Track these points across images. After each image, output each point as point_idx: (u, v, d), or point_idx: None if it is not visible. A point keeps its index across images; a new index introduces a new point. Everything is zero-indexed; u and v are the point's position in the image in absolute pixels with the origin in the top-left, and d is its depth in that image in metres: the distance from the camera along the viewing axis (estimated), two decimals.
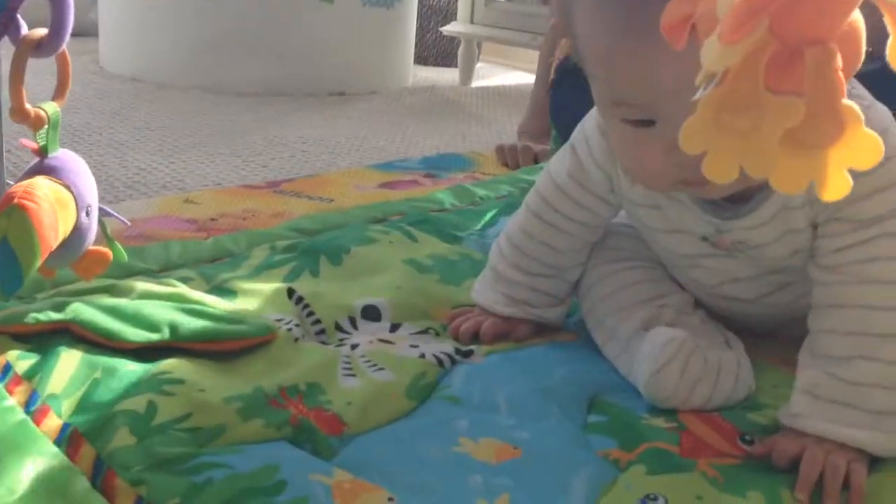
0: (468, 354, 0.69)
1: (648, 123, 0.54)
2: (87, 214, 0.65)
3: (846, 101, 0.38)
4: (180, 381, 0.59)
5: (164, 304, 0.68)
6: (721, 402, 0.63)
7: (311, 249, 0.85)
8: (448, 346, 0.69)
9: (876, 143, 0.37)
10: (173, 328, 0.65)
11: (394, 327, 0.73)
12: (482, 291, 0.75)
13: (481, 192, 1.12)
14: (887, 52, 0.37)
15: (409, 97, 2.15)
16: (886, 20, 0.37)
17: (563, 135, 1.13)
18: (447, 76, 2.56)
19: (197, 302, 0.69)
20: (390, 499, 0.50)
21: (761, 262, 0.65)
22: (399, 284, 0.79)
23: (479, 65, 2.54)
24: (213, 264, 0.84)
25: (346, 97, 2.08)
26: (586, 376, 0.66)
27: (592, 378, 0.66)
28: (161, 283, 0.74)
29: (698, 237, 0.65)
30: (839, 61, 0.38)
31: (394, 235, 0.91)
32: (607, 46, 0.54)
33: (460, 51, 2.40)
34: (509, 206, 1.05)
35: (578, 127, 0.70)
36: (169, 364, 0.61)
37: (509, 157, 1.36)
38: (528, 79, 2.60)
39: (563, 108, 1.16)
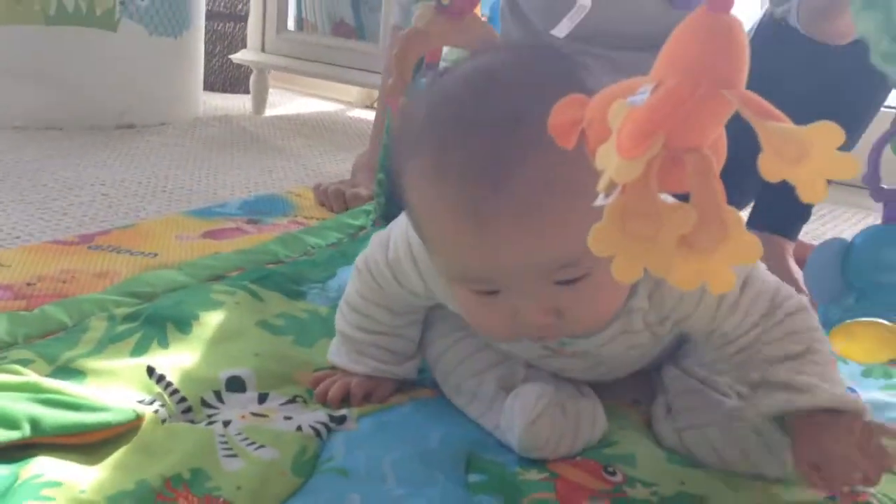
0: (342, 421, 0.70)
1: (493, 293, 0.58)
2: None
3: (728, 207, 0.44)
4: (57, 484, 0.56)
5: (16, 397, 0.63)
6: (582, 447, 0.69)
7: (156, 318, 0.82)
8: (321, 415, 0.70)
9: (755, 243, 0.43)
10: (34, 423, 0.61)
11: (261, 398, 0.73)
12: (339, 354, 0.76)
13: (312, 240, 1.13)
14: (759, 165, 0.43)
15: (203, 128, 2.09)
16: (760, 137, 0.43)
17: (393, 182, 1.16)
18: (237, 103, 2.51)
19: (54, 391, 0.65)
20: None
21: (601, 359, 0.70)
22: (256, 351, 0.79)
23: (269, 90, 2.51)
24: (46, 340, 0.79)
25: (136, 129, 1.99)
26: (460, 435, 0.69)
27: (465, 436, 0.70)
28: (4, 371, 0.68)
29: (538, 348, 0.69)
30: (715, 166, 0.45)
31: (239, 296, 0.89)
32: (453, 232, 0.55)
33: (252, 80, 2.36)
34: (343, 256, 1.06)
35: (401, 228, 0.69)
36: (38, 465, 0.58)
37: (324, 199, 1.37)
38: (321, 106, 2.62)
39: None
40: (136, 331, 0.80)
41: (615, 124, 0.44)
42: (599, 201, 0.44)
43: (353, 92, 2.73)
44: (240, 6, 2.68)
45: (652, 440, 0.72)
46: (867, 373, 0.86)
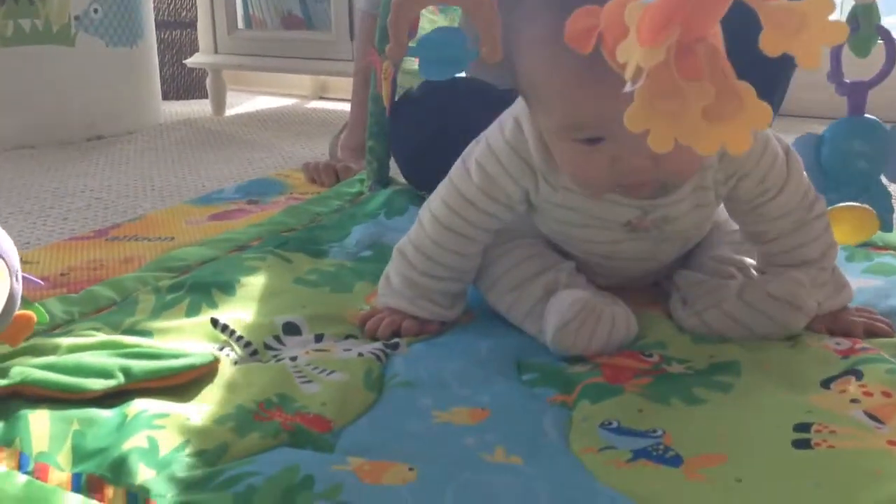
0: (395, 347, 0.77)
1: (596, 140, 0.66)
2: (17, 280, 0.64)
3: (739, 81, 0.52)
4: (164, 415, 0.61)
5: (102, 353, 0.69)
6: (615, 348, 0.76)
7: (199, 285, 0.88)
8: (376, 344, 0.76)
9: (766, 109, 0.51)
10: (126, 372, 0.66)
11: (317, 338, 0.79)
12: (390, 296, 0.82)
13: (316, 208, 1.19)
14: (761, 42, 0.51)
15: (170, 133, 2.12)
16: (761, 16, 0.50)
17: (405, 165, 1.22)
18: (196, 108, 2.54)
19: (133, 346, 0.71)
20: (410, 468, 0.57)
21: (667, 235, 0.79)
22: (302, 303, 0.85)
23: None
24: (101, 314, 0.84)
25: (106, 140, 2.01)
26: (506, 344, 0.77)
27: (511, 344, 0.77)
28: (81, 335, 0.74)
29: (620, 223, 0.77)
30: (722, 49, 0.52)
31: (269, 260, 0.95)
32: (566, 84, 0.64)
33: (208, 82, 2.40)
34: (351, 218, 1.13)
35: (482, 146, 0.77)
36: (141, 404, 0.63)
37: (315, 175, 1.43)
38: (278, 102, 2.66)
39: (406, 139, 1.20)
40: (184, 298, 0.86)
41: (633, 22, 0.52)
42: (628, 88, 0.52)
43: (307, 85, 2.77)
44: (183, 13, 2.70)
45: (676, 328, 0.80)
46: (850, 257, 0.95)
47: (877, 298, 0.85)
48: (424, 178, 1.15)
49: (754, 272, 0.81)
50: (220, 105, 2.41)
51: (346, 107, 2.55)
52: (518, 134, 0.76)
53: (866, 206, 0.86)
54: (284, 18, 2.35)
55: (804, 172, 0.77)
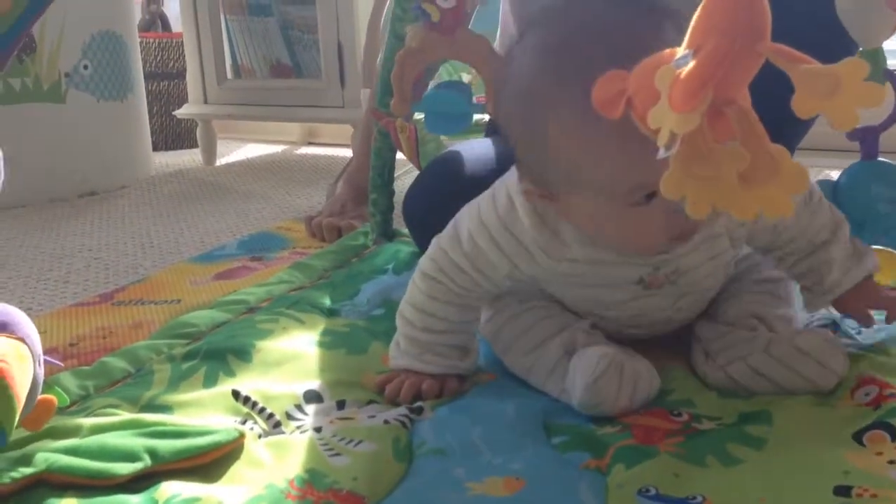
0: (420, 411, 0.76)
1: (651, 196, 0.66)
2: (40, 365, 0.63)
3: (774, 144, 0.52)
4: (197, 499, 0.60)
5: (124, 434, 0.67)
6: (640, 403, 0.75)
7: (215, 352, 0.87)
8: (401, 409, 0.75)
9: (804, 172, 0.51)
10: (152, 453, 0.65)
11: (340, 405, 0.78)
12: (402, 358, 0.81)
13: (321, 264, 1.18)
14: (793, 105, 0.51)
15: (163, 186, 2.11)
16: (793, 79, 0.50)
17: (420, 238, 1.17)
18: (186, 158, 2.53)
19: (157, 423, 0.69)
20: None
21: (684, 289, 0.78)
22: (320, 367, 0.84)
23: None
24: (117, 387, 0.83)
25: (99, 196, 2.00)
26: (531, 405, 0.76)
27: (535, 405, 0.76)
28: (102, 415, 0.72)
29: (633, 282, 0.77)
30: (753, 112, 0.52)
31: (283, 322, 0.94)
32: (619, 150, 0.63)
33: (199, 132, 2.39)
34: (359, 275, 1.12)
35: (475, 218, 0.78)
36: (170, 488, 0.62)
37: (317, 231, 1.42)
38: (267, 149, 2.66)
39: (424, 213, 1.14)
40: (200, 366, 0.84)
41: (664, 87, 0.52)
42: (661, 154, 0.52)
43: (296, 132, 2.77)
44: (171, 64, 2.70)
45: (700, 383, 0.79)
46: None
47: None
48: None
49: (778, 324, 0.81)
50: (210, 155, 2.40)
51: (336, 152, 2.59)
52: (511, 211, 0.76)
53: (889, 248, 0.86)
54: (273, 67, 2.36)
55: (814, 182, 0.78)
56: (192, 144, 2.69)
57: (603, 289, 0.78)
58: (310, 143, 2.75)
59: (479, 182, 1.10)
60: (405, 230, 1.28)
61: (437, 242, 0.81)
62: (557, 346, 0.79)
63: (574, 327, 0.81)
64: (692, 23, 0.52)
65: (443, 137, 1.43)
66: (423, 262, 0.82)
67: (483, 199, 0.79)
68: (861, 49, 0.84)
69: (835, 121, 0.50)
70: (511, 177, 0.78)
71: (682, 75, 0.51)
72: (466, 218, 0.79)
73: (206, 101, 2.36)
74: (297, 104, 2.24)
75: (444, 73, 1.67)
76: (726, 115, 0.52)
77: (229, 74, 2.36)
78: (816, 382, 0.75)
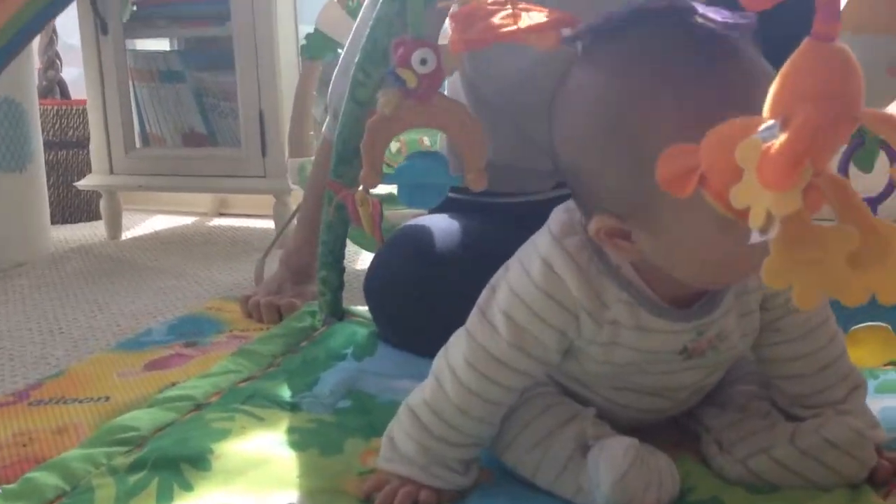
0: None
1: None
2: None
3: (881, 220, 0.46)
4: None
5: None
6: (668, 501, 0.68)
7: (165, 460, 0.74)
8: None
9: None
10: None
11: None
12: (399, 463, 0.71)
13: (269, 349, 1.06)
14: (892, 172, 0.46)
15: (65, 263, 1.94)
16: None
17: (380, 316, 1.09)
18: (86, 232, 2.36)
19: None
20: None
21: (721, 357, 0.72)
22: (293, 473, 0.73)
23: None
24: None
25: None
26: None
27: None
28: None
29: (676, 352, 0.70)
30: (848, 183, 0.47)
31: (240, 420, 0.83)
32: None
33: (102, 204, 2.23)
34: (314, 361, 1.01)
35: (506, 295, 0.69)
36: None
37: (253, 312, 1.30)
38: (176, 221, 2.51)
39: (387, 290, 1.07)
40: (150, 479, 0.72)
41: (750, 162, 0.45)
42: (756, 239, 0.45)
43: (206, 202, 2.64)
44: (70, 132, 2.54)
45: (718, 476, 0.72)
46: None
47: None
48: (395, 329, 1.06)
49: (795, 409, 0.75)
50: (116, 228, 2.25)
51: (252, 223, 2.46)
52: (550, 276, 0.68)
53: (886, 325, 0.83)
54: (186, 135, 2.24)
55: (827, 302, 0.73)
56: (92, 217, 2.52)
57: (644, 363, 0.71)
58: (221, 214, 2.62)
59: (447, 256, 1.03)
60: (355, 308, 1.19)
61: (468, 337, 0.70)
62: (568, 439, 0.71)
63: (582, 416, 0.73)
64: (774, 88, 0.47)
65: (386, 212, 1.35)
66: (457, 362, 0.70)
67: (511, 276, 0.70)
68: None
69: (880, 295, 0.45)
70: (542, 241, 0.70)
71: (774, 150, 0.44)
72: (495, 300, 0.70)
73: (111, 172, 2.21)
74: (213, 174, 2.12)
75: None
76: (817, 189, 0.46)
77: (137, 143, 2.23)
78: (845, 475, 0.69)
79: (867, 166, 0.83)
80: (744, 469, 0.71)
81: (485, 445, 0.73)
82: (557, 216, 0.71)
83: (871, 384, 0.90)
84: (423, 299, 1.00)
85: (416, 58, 0.81)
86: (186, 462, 0.74)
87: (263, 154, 2.02)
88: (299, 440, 0.80)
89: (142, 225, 2.47)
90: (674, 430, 0.80)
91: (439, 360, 0.72)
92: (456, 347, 0.71)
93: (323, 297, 1.16)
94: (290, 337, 1.11)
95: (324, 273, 1.15)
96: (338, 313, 1.17)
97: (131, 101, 2.20)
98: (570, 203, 0.71)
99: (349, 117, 1.01)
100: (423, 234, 1.05)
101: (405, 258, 1.04)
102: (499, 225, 1.06)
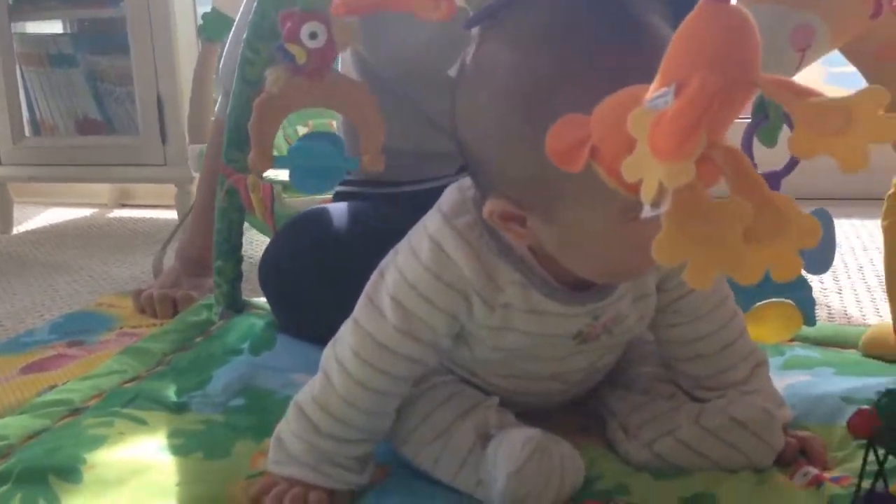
0: None
1: None
2: None
3: (776, 193, 0.43)
4: None
5: None
6: (569, 493, 0.65)
7: (31, 472, 0.68)
8: None
9: (816, 225, 0.43)
10: None
11: None
12: (287, 464, 0.67)
13: (159, 347, 1.00)
14: (790, 145, 0.43)
15: None
16: (794, 116, 0.42)
17: (278, 306, 1.03)
18: None
19: None
20: None
21: (615, 340, 0.70)
22: (174, 481, 0.67)
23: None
24: None
25: None
26: None
27: None
28: None
29: (570, 336, 0.67)
30: (744, 155, 0.44)
31: (119, 425, 0.77)
32: None
33: None
34: (208, 358, 0.95)
35: (394, 278, 0.65)
36: None
37: (147, 306, 1.23)
38: (73, 213, 2.39)
39: (283, 278, 1.01)
40: (13, 494, 0.66)
41: (641, 133, 0.42)
42: (647, 213, 0.42)
43: (105, 193, 2.52)
44: None
45: (625, 463, 0.70)
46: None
47: (808, 391, 0.79)
48: (294, 318, 1.01)
49: (699, 391, 0.74)
50: (6, 222, 2.12)
51: (155, 214, 2.36)
52: (440, 256, 0.64)
53: (789, 301, 0.82)
54: (80, 123, 2.12)
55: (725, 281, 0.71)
56: None
57: (537, 348, 0.68)
58: (122, 205, 2.50)
59: (344, 239, 0.98)
60: (256, 300, 1.13)
61: (354, 324, 0.67)
62: (469, 431, 0.68)
63: (484, 405, 0.70)
64: (668, 53, 0.43)
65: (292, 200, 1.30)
66: (343, 354, 0.66)
67: (400, 258, 0.67)
68: (761, 93, 0.79)
69: (843, 162, 0.42)
70: (431, 221, 0.66)
71: (666, 118, 0.41)
72: (383, 285, 0.66)
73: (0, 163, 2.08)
74: (110, 163, 2.02)
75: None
76: (711, 160, 0.43)
77: (27, 132, 2.11)
78: (752, 457, 0.68)
79: (771, 141, 0.82)
80: (650, 453, 0.69)
81: (379, 441, 0.69)
82: (449, 195, 0.67)
83: (778, 360, 0.89)
84: (321, 284, 0.95)
85: (305, 31, 0.77)
86: (55, 474, 0.68)
87: (163, 141, 1.93)
88: (183, 444, 0.74)
89: (36, 218, 2.33)
90: (581, 415, 0.78)
91: (327, 353, 0.68)
92: (343, 338, 0.67)
93: (219, 289, 1.10)
94: (184, 332, 1.05)
95: (219, 263, 1.09)
96: (236, 306, 1.11)
97: (18, 87, 2.07)
98: (463, 182, 0.67)
99: (239, 98, 0.95)
100: (321, 217, 1.00)
101: (301, 242, 0.99)
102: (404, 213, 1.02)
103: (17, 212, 2.24)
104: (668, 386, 0.75)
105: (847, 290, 1.31)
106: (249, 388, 0.87)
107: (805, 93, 0.42)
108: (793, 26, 0.72)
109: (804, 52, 0.74)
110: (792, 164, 0.81)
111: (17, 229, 2.15)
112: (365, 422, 0.66)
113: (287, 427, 0.68)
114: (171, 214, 2.07)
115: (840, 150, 0.42)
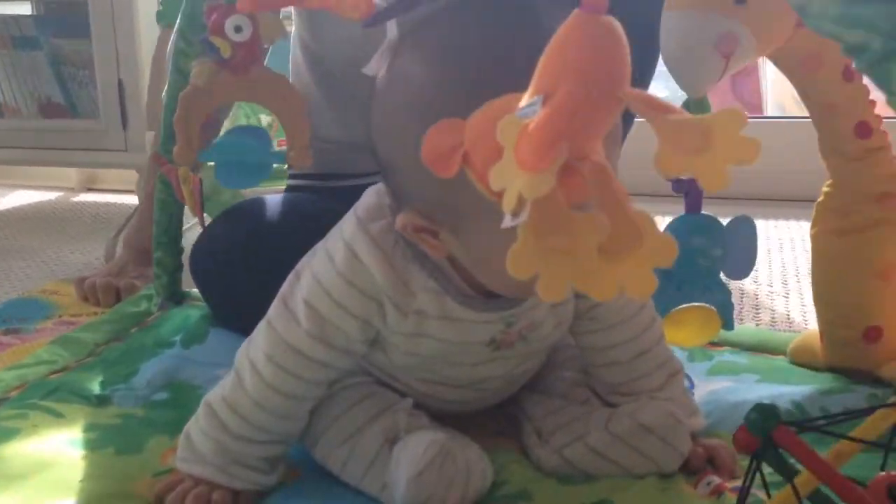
0: None
1: None
2: None
3: (636, 209, 0.43)
4: None
5: None
6: (473, 498, 0.65)
7: None
8: None
9: (671, 243, 0.43)
10: None
11: None
12: (194, 463, 0.67)
13: (92, 337, 0.99)
14: (655, 162, 0.43)
15: None
16: (656, 132, 0.42)
17: (210, 297, 1.02)
18: None
19: None
20: None
21: (532, 348, 0.70)
22: (78, 476, 0.67)
23: None
24: None
25: None
26: None
27: None
28: None
29: (484, 343, 0.67)
30: (611, 171, 0.44)
31: (34, 418, 0.77)
32: None
33: None
34: (139, 349, 0.95)
35: (309, 282, 0.65)
36: None
37: (90, 294, 1.22)
38: (39, 196, 2.37)
39: (213, 270, 1.00)
40: None
41: (508, 141, 0.42)
42: (507, 223, 0.42)
43: (72, 177, 2.50)
44: None
45: (535, 468, 0.70)
46: (691, 357, 0.91)
47: (727, 398, 0.80)
48: (225, 310, 1.00)
49: (613, 395, 0.74)
50: None
51: (121, 199, 2.34)
52: (353, 262, 0.64)
53: (708, 305, 0.82)
54: (42, 105, 2.11)
55: None
56: None
57: (452, 355, 0.68)
58: (89, 190, 2.49)
59: (275, 236, 0.98)
60: (196, 291, 1.12)
61: (267, 327, 0.66)
62: (377, 434, 0.67)
63: (395, 408, 0.70)
64: (541, 63, 0.43)
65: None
66: (256, 356, 0.66)
67: (315, 262, 0.66)
68: (687, 98, 0.79)
69: (704, 181, 0.42)
70: (347, 225, 0.66)
71: (531, 127, 0.41)
72: (297, 288, 0.66)
73: None
74: (72, 147, 2.00)
75: (241, 115, 1.53)
76: (579, 173, 0.43)
77: None
78: (659, 462, 0.68)
79: None
80: (560, 459, 0.69)
81: (291, 443, 0.69)
82: (366, 199, 0.67)
83: (705, 365, 0.90)
84: (254, 276, 0.94)
85: (229, 25, 0.76)
86: None
87: (124, 127, 1.91)
88: (97, 439, 0.74)
89: (1, 200, 2.32)
90: (499, 419, 0.78)
91: (241, 354, 0.68)
92: (257, 340, 0.67)
93: (158, 280, 1.10)
94: (119, 323, 1.05)
95: (159, 254, 1.08)
96: (175, 297, 1.10)
97: None
98: (381, 185, 0.67)
99: (174, 88, 0.94)
100: (254, 208, 1.00)
101: (236, 233, 0.98)
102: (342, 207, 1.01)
103: None
104: (583, 391, 0.75)
105: (794, 294, 1.31)
106: (174, 382, 0.87)
107: (666, 109, 0.42)
108: (717, 33, 0.72)
109: (728, 59, 0.74)
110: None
111: None
112: (275, 424, 0.66)
113: (196, 425, 0.67)
114: (136, 200, 2.06)
115: (701, 169, 0.42)
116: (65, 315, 1.15)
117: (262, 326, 0.67)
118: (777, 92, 2.35)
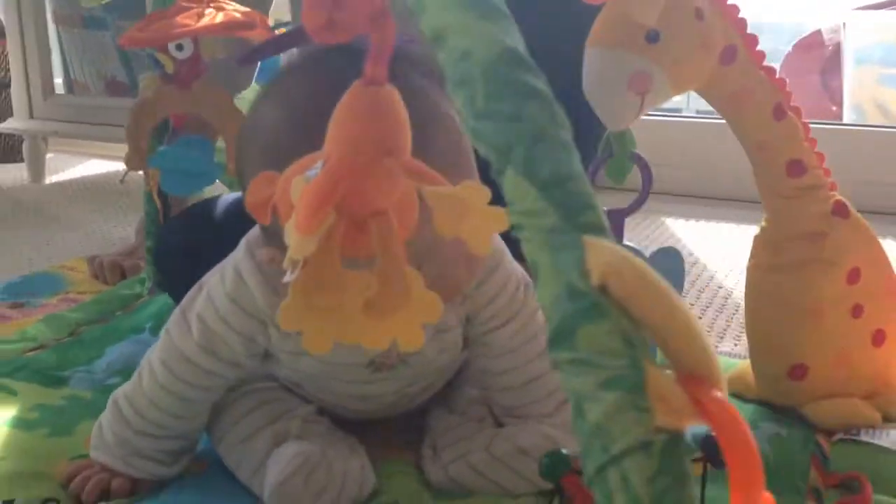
0: None
1: None
2: None
3: (408, 268, 0.46)
4: None
5: None
6: None
7: None
8: None
9: (435, 302, 0.45)
10: None
11: None
12: (102, 451, 0.72)
13: (77, 317, 1.07)
14: (435, 227, 0.46)
15: None
16: (427, 201, 0.45)
17: (173, 289, 1.07)
18: (12, 174, 2.37)
19: None
20: None
21: (417, 370, 0.73)
22: (2, 455, 0.74)
23: (49, 156, 2.39)
24: None
25: None
26: None
27: None
28: None
29: (363, 365, 0.71)
30: (396, 228, 0.47)
31: None
32: None
33: (25, 148, 2.24)
34: (114, 332, 1.02)
35: (204, 297, 0.70)
36: None
37: (98, 272, 1.31)
38: (107, 166, 2.51)
39: (172, 253, 1.05)
40: None
41: (297, 200, 0.45)
42: (287, 278, 0.45)
43: None
44: (3, 73, 2.53)
45: (421, 482, 0.73)
46: None
47: None
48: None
49: (506, 415, 0.76)
50: (38, 172, 2.26)
51: None
52: (239, 285, 0.68)
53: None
54: (108, 83, 2.23)
55: (539, 313, 0.73)
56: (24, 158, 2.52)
57: (334, 374, 0.72)
58: None
59: (228, 228, 1.02)
60: None
61: (166, 334, 0.72)
62: (266, 439, 0.72)
63: (292, 415, 0.74)
64: (329, 127, 0.46)
65: None
66: (154, 358, 0.72)
67: (211, 279, 0.72)
68: (608, 131, 0.80)
69: (470, 245, 0.44)
70: (238, 250, 0.70)
71: (304, 191, 0.44)
72: (196, 301, 0.71)
73: (31, 116, 2.21)
74: None
75: None
76: (365, 230, 0.46)
77: (62, 89, 2.23)
78: (536, 482, 0.70)
79: (620, 175, 0.83)
80: (445, 475, 0.72)
81: (193, 438, 0.74)
82: (257, 226, 0.71)
83: None
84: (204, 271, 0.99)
85: (171, 44, 0.81)
86: None
87: None
88: (35, 419, 0.81)
89: (71, 169, 2.47)
90: (409, 430, 0.81)
91: (145, 355, 0.73)
92: (158, 344, 0.72)
93: (150, 267, 1.17)
94: (109, 304, 1.12)
95: (149, 243, 1.15)
96: (161, 284, 1.17)
97: (50, 45, 2.18)
98: None
99: None
100: (220, 203, 1.04)
101: (192, 224, 1.03)
102: None
103: (58, 162, 2.37)
104: (481, 409, 0.77)
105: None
106: (130, 367, 0.92)
107: (431, 180, 0.44)
108: (630, 72, 0.73)
109: (643, 97, 0.74)
110: (638, 202, 0.82)
111: (51, 179, 2.29)
112: (169, 422, 0.71)
113: (105, 417, 0.73)
114: None
115: (466, 235, 0.44)
116: (72, 292, 1.23)
117: (163, 333, 0.72)
118: (855, 94, 2.27)
